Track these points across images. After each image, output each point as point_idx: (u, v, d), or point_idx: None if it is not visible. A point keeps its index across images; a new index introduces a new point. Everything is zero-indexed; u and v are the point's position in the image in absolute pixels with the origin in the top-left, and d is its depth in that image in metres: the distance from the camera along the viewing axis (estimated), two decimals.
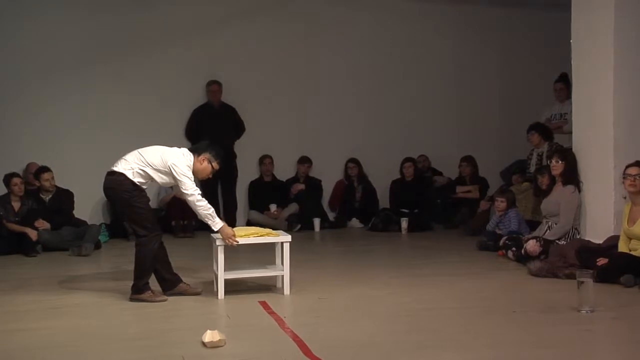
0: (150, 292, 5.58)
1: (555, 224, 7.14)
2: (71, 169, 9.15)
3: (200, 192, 5.60)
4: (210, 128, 9.64)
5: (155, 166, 5.62)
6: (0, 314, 5.44)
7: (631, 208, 6.27)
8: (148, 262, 5.59)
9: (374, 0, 10.65)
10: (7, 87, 9.38)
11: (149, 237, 5.60)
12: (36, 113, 9.43)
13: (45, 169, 8.74)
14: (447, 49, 10.99)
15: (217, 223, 5.62)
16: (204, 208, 5.59)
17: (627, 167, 6.28)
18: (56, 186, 8.79)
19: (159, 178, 5.67)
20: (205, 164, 5.68)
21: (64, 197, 8.84)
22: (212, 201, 9.86)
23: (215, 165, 5.73)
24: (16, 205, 8.48)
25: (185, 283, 5.83)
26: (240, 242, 5.90)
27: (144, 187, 5.71)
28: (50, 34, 9.48)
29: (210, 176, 5.84)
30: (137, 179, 5.60)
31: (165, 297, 5.63)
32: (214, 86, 9.95)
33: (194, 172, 5.65)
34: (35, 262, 7.81)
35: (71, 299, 5.87)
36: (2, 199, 8.48)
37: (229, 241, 5.63)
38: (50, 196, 8.77)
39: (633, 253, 6.08)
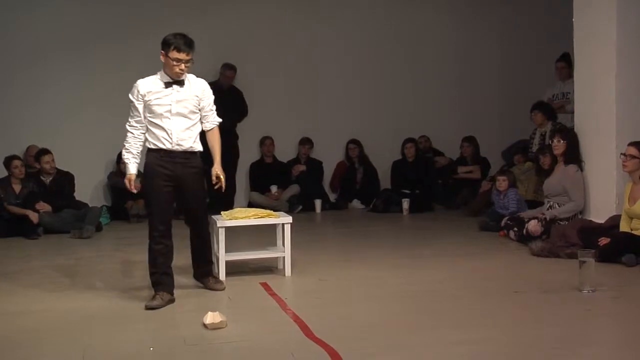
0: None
1: (557, 204, 7.13)
2: (72, 151, 9.15)
3: (132, 128, 5.04)
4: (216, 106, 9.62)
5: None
6: (0, 296, 5.46)
7: (632, 187, 6.28)
8: None
9: None
10: (6, 68, 9.36)
11: None
12: (36, 95, 9.43)
13: (45, 151, 8.74)
14: (447, 28, 10.92)
15: (126, 164, 5.08)
16: (125, 147, 5.08)
17: (628, 147, 6.30)
18: (57, 168, 8.79)
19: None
20: (162, 59, 4.98)
21: (65, 180, 8.85)
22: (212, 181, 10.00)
23: (173, 53, 4.90)
24: (17, 187, 8.48)
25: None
26: (240, 224, 5.93)
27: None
28: (51, 13, 9.46)
29: (179, 68, 4.94)
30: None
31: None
32: (229, 72, 9.90)
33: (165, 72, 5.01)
34: (36, 245, 7.85)
35: (72, 281, 5.89)
36: (2, 182, 8.49)
37: (130, 187, 5.07)
38: (51, 178, 8.78)
39: (634, 232, 6.10)
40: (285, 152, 10.40)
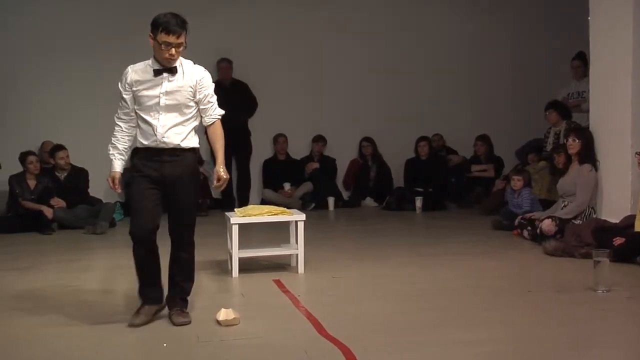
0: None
1: (572, 203, 7.10)
2: (86, 147, 9.18)
3: (120, 121, 4.50)
4: (222, 105, 9.61)
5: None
6: (15, 292, 5.50)
7: None
8: None
9: None
10: (21, 65, 9.44)
11: None
12: (51, 91, 9.49)
13: (60, 147, 8.81)
14: (461, 27, 10.91)
15: (112, 159, 4.54)
16: (111, 142, 4.54)
17: None
18: (71, 164, 8.86)
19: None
20: (151, 42, 4.36)
21: (79, 175, 8.91)
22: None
23: (161, 36, 4.24)
24: (32, 183, 8.55)
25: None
26: (253, 221, 5.93)
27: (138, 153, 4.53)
28: (62, 11, 9.52)
29: (169, 53, 4.29)
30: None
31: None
32: (224, 64, 9.94)
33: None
34: (51, 240, 7.90)
35: (85, 277, 5.92)
36: (17, 177, 8.55)
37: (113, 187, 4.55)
38: (66, 174, 8.84)
39: None
40: (298, 149, 10.42)
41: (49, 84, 9.46)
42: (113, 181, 4.51)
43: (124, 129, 4.49)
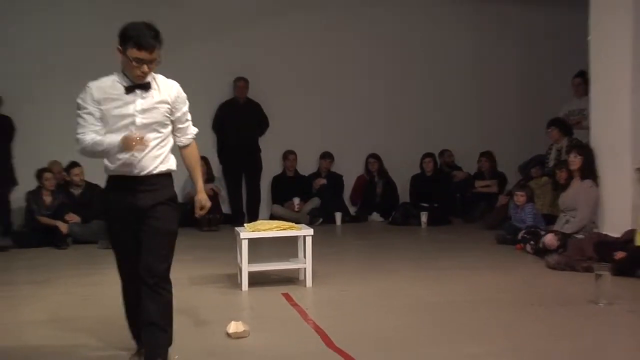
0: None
1: (573, 217, 7.10)
2: (100, 165, 9.19)
3: (88, 135, 3.68)
4: (235, 122, 9.77)
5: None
6: (30, 304, 5.51)
7: None
8: None
9: (401, 1, 10.67)
10: (37, 84, 9.47)
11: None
12: (67, 110, 9.48)
13: (75, 164, 8.83)
14: (465, 46, 10.98)
15: (110, 143, 3.65)
16: (91, 146, 3.67)
17: None
18: (85, 181, 8.87)
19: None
20: (120, 56, 3.72)
21: (93, 192, 8.91)
22: (237, 194, 10.06)
23: (132, 52, 3.60)
24: (47, 199, 8.60)
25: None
26: (263, 236, 5.92)
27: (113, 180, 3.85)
28: (75, 28, 9.54)
29: (141, 71, 3.67)
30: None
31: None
32: (240, 82, 10.00)
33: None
34: (66, 255, 7.91)
35: (99, 290, 5.93)
36: (34, 194, 8.60)
37: (134, 144, 3.58)
38: (80, 191, 8.86)
39: None
40: (306, 165, 10.45)
41: (65, 104, 9.45)
42: (134, 139, 3.60)
43: (99, 135, 3.69)
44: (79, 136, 3.69)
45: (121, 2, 9.19)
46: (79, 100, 3.72)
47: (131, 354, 4.01)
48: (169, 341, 3.83)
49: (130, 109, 3.68)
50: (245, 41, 10.15)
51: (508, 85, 11.08)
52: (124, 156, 3.66)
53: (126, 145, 3.58)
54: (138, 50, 3.60)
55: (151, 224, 3.72)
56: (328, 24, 10.52)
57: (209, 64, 9.85)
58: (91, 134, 3.67)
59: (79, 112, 3.71)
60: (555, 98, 9.59)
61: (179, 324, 4.72)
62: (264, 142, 10.20)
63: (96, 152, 3.70)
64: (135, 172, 3.70)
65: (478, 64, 11.01)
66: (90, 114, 3.69)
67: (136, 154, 3.65)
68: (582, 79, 8.56)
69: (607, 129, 7.11)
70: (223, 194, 9.90)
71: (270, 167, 10.28)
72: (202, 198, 4.01)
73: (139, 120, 3.68)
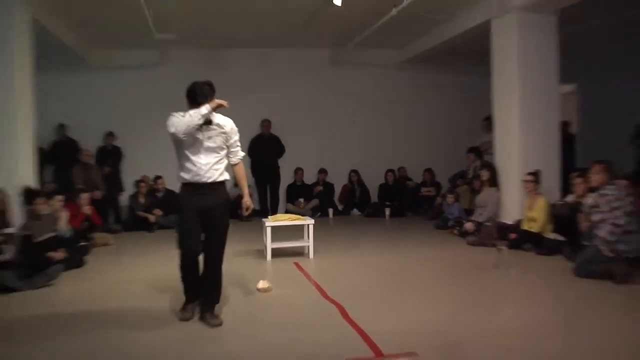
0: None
1: (484, 211, 7.10)
2: (175, 177, 9.17)
3: (177, 127, 3.51)
4: (262, 151, 9.69)
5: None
6: (131, 268, 5.45)
7: (529, 201, 6.29)
8: None
9: (371, 69, 10.57)
10: (134, 124, 9.50)
11: None
12: (153, 141, 9.41)
13: (159, 177, 8.87)
14: (414, 99, 10.83)
15: (204, 108, 3.51)
16: (189, 121, 3.47)
17: (526, 175, 6.35)
18: (166, 188, 8.89)
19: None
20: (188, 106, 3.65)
21: (172, 195, 8.91)
22: (263, 196, 9.94)
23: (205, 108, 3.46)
24: (142, 200, 8.62)
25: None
26: (281, 224, 5.85)
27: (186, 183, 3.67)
28: (160, 89, 9.39)
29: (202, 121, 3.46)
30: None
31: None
32: (266, 122, 9.90)
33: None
34: (153, 236, 7.88)
35: (174, 261, 5.92)
36: (133, 196, 8.66)
37: (220, 103, 3.52)
38: (162, 194, 8.87)
39: (531, 229, 6.08)
40: (309, 177, 10.35)
41: (150, 136, 9.31)
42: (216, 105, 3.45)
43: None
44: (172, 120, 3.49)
45: (192, 68, 9.19)
46: (170, 118, 3.52)
47: (180, 306, 3.85)
48: (218, 299, 3.77)
49: (199, 136, 3.58)
50: (269, 94, 10.08)
51: (443, 124, 10.91)
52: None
53: (215, 104, 3.44)
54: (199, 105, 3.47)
55: (214, 222, 3.62)
56: (325, 87, 10.41)
57: (246, 109, 9.87)
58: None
59: (172, 118, 3.51)
60: (472, 133, 9.56)
61: (227, 282, 4.57)
62: (281, 162, 10.11)
63: (183, 121, 3.46)
64: (203, 180, 3.58)
65: (424, 109, 10.85)
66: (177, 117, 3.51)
67: (201, 172, 3.52)
68: (488, 121, 8.54)
69: (505, 154, 7.08)
70: (255, 196, 9.89)
71: (286, 178, 10.20)
72: (248, 201, 3.87)
73: (206, 144, 3.58)
